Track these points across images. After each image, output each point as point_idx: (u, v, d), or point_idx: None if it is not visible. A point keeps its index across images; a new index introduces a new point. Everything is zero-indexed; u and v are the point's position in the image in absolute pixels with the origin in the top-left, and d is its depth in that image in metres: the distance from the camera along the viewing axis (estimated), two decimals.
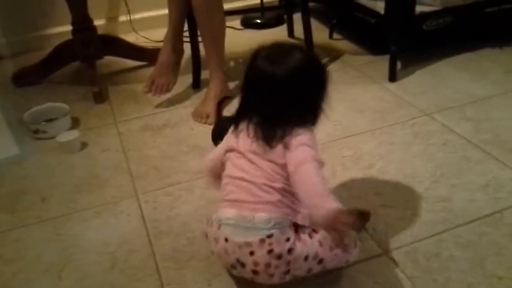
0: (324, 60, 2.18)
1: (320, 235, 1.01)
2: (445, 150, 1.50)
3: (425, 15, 1.94)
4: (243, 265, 1.00)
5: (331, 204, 0.93)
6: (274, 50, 1.03)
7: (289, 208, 1.00)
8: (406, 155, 1.50)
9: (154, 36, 2.37)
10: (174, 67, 1.88)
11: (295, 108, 1.00)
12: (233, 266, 1.02)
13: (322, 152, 1.53)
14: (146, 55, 2.20)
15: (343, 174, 1.44)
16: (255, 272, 0.99)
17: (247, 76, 1.05)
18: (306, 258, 0.99)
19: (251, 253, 0.98)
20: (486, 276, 1.07)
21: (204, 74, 1.98)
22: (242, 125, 1.05)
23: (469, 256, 1.12)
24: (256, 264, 0.98)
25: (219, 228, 1.02)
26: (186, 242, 1.24)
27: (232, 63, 2.25)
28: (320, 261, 1.01)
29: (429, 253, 1.14)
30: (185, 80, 2.03)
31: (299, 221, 1.01)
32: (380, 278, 1.09)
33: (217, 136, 1.52)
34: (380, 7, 2.00)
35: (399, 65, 2.01)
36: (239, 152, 1.04)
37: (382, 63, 2.01)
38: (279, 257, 0.97)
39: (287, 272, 1.00)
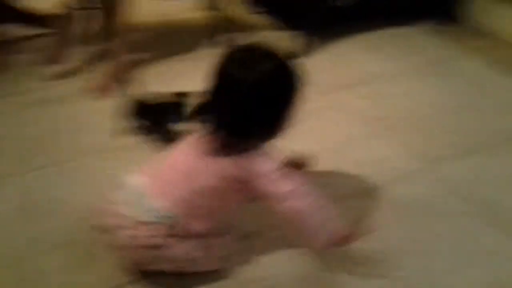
0: (241, 35, 2.14)
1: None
2: (334, 127, 1.53)
3: None
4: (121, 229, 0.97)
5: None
6: (247, 53, 0.95)
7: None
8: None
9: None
10: (67, 37, 1.79)
11: (262, 117, 0.93)
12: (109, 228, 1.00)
13: None
14: (39, 21, 1.98)
15: None
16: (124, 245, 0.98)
17: (216, 78, 0.95)
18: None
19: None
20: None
21: (107, 46, 1.88)
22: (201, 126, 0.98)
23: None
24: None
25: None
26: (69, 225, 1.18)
27: (137, 34, 2.16)
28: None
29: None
30: (88, 51, 1.92)
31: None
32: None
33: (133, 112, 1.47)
34: None
35: (311, 40, 2.01)
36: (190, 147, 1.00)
37: (297, 38, 1.99)
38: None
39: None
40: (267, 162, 0.96)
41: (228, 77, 0.93)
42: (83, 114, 1.61)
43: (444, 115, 1.58)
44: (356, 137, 1.48)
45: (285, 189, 0.96)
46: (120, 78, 1.74)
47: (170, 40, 2.13)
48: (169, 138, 1.41)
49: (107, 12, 1.72)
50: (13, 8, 2.07)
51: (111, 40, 1.75)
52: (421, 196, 1.25)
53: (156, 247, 0.97)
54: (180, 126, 1.41)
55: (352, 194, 1.26)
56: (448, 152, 1.41)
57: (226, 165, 0.95)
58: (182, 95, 1.46)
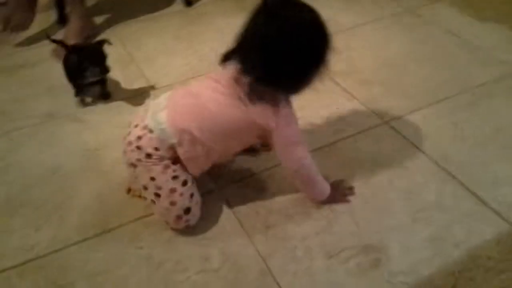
0: None
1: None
2: None
3: None
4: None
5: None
6: (283, 4, 0.93)
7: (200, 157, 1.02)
8: None
9: None
10: (31, 2, 1.75)
11: (292, 69, 0.93)
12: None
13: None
14: None
15: None
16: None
17: (250, 25, 0.94)
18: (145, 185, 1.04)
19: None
20: (306, 206, 1.11)
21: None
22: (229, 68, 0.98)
23: (295, 188, 1.16)
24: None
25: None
26: (21, 190, 1.21)
27: None
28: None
29: (258, 187, 1.17)
30: (50, 16, 1.90)
31: (190, 168, 1.03)
32: (208, 214, 1.10)
33: (73, 72, 1.44)
34: None
35: None
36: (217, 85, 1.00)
37: None
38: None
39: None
40: (292, 122, 1.00)
41: (261, 26, 0.92)
42: (51, 77, 1.60)
43: (407, 67, 1.54)
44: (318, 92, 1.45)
45: (299, 154, 1.02)
46: (82, 39, 1.72)
47: (132, 2, 2.09)
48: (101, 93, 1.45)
49: None
50: None
51: (71, 3, 1.73)
52: (372, 153, 1.24)
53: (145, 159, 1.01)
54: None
55: (315, 149, 1.25)
56: (408, 105, 1.38)
57: (254, 111, 0.96)
58: (100, 43, 1.41)
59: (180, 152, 1.01)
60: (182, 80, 1.54)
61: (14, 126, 1.40)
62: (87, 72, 1.39)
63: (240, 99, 0.97)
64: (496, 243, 1.00)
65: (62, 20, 1.90)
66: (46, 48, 1.75)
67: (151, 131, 1.01)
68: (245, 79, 0.95)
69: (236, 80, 0.97)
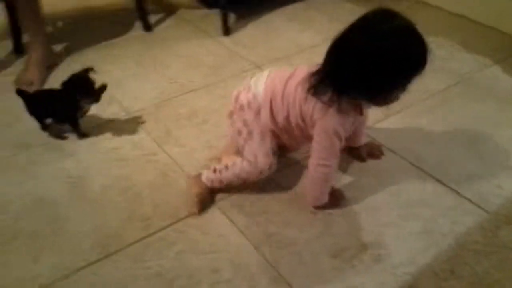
0: (159, 17, 2.13)
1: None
2: None
3: None
4: None
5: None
6: (381, 17, 0.97)
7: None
8: None
9: None
10: None
11: (370, 83, 0.97)
12: None
13: (158, 111, 1.53)
14: None
15: (178, 131, 1.44)
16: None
17: (344, 33, 1.01)
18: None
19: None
20: (302, 213, 1.17)
21: (27, 39, 1.81)
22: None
23: (288, 196, 1.21)
24: None
25: None
26: (8, 223, 1.17)
27: (60, 23, 2.10)
28: None
29: (253, 198, 1.21)
30: (5, 45, 1.85)
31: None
32: (209, 228, 1.13)
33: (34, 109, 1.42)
34: None
35: (232, 18, 2.05)
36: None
37: (216, 16, 2.00)
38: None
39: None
40: (339, 123, 1.05)
41: (354, 36, 0.98)
42: (16, 108, 1.54)
43: None
44: None
45: (327, 154, 1.09)
46: (44, 69, 1.69)
47: (93, 26, 2.08)
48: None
49: (21, 5, 1.65)
50: None
51: (30, 31, 1.69)
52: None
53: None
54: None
55: (294, 163, 1.31)
56: (374, 114, 1.49)
57: (316, 106, 1.05)
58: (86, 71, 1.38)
59: (262, 115, 1.13)
60: (156, 103, 1.56)
61: None
62: (81, 104, 1.38)
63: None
64: (479, 229, 1.11)
65: (19, 49, 1.85)
66: (5, 78, 1.70)
67: (250, 90, 1.15)
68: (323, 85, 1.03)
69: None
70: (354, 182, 1.25)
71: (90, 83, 1.35)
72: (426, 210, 1.16)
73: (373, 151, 1.33)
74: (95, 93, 1.36)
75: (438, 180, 1.24)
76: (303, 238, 1.10)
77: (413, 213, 1.16)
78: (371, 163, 1.31)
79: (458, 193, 1.20)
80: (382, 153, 1.33)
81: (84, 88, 1.34)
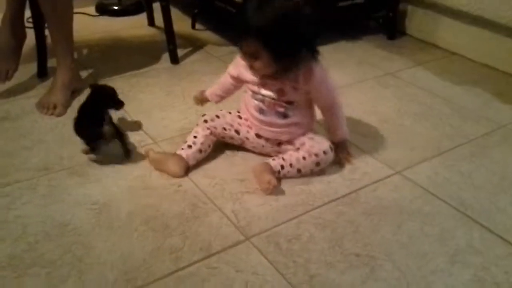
0: (186, 50, 2.12)
1: None
2: None
3: None
4: None
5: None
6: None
7: None
8: None
9: None
10: (14, 53, 1.67)
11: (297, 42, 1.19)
12: None
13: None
14: None
15: (207, 162, 1.38)
16: None
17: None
18: None
19: None
20: (344, 254, 1.09)
21: (52, 62, 1.79)
22: None
23: (328, 236, 1.13)
24: None
25: None
26: (27, 248, 1.09)
27: (85, 51, 2.08)
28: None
29: (290, 236, 1.13)
30: (29, 69, 1.82)
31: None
32: (242, 265, 1.05)
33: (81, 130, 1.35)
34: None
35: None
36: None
37: None
38: None
39: None
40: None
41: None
42: (38, 131, 1.50)
43: (404, 122, 1.62)
44: None
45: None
46: (69, 93, 1.65)
47: (121, 56, 2.07)
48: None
49: (53, 28, 1.63)
50: None
51: (59, 55, 1.66)
52: (395, 200, 1.26)
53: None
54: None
55: (326, 202, 1.25)
56: (415, 156, 1.44)
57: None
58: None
59: None
60: (183, 133, 1.50)
61: (8, 181, 1.28)
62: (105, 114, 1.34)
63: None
64: None
65: (42, 73, 1.82)
66: (28, 100, 1.66)
67: None
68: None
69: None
70: (397, 225, 1.17)
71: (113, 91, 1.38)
72: (476, 258, 1.08)
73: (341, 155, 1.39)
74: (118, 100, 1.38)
75: (485, 227, 1.17)
76: (348, 282, 1.02)
77: (462, 260, 1.08)
78: (414, 206, 1.24)
79: (508, 242, 1.13)
80: (348, 160, 1.39)
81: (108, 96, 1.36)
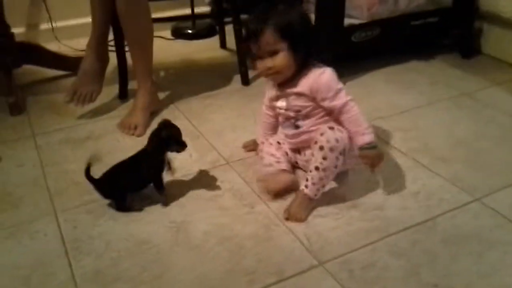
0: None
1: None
2: None
3: (354, 27, 1.98)
4: None
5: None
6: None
7: None
8: None
9: (78, 45, 2.24)
10: (98, 76, 1.77)
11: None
12: None
13: (257, 162, 1.50)
14: (69, 63, 2.07)
15: None
16: None
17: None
18: None
19: None
20: (421, 284, 1.06)
21: (132, 85, 1.88)
22: None
23: (404, 265, 1.11)
24: None
25: None
26: (110, 263, 1.15)
27: (162, 73, 2.18)
28: None
29: (364, 263, 1.12)
30: (111, 90, 1.93)
31: None
32: None
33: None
34: (311, 18, 2.00)
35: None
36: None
37: None
38: None
39: None
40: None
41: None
42: (118, 149, 1.58)
43: (482, 146, 1.56)
44: (401, 170, 1.45)
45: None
46: (148, 114, 1.73)
47: (195, 78, 2.14)
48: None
49: (134, 52, 1.72)
50: (43, 51, 2.11)
51: (139, 79, 1.75)
52: (475, 229, 1.21)
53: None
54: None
55: (402, 229, 1.22)
56: (495, 182, 1.38)
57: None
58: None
59: None
60: (254, 154, 1.53)
61: (92, 198, 1.35)
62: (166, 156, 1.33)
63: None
64: None
65: (123, 95, 1.92)
66: (110, 121, 1.76)
67: None
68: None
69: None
70: (478, 255, 1.13)
71: (178, 130, 1.31)
72: None
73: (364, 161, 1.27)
74: (182, 142, 1.31)
75: None
76: None
77: None
78: (495, 235, 1.19)
79: None
80: (372, 165, 1.27)
81: (173, 137, 1.29)
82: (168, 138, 1.29)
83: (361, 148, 1.24)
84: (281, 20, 1.22)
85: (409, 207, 1.29)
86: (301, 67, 1.27)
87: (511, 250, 1.14)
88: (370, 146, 1.23)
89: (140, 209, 1.32)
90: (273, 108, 1.39)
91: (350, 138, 1.25)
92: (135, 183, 1.33)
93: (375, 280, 1.07)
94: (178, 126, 1.33)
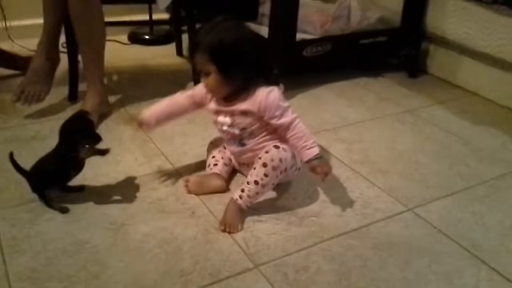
0: None
1: None
2: None
3: (306, 42, 2.04)
4: None
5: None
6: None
7: None
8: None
9: (32, 45, 2.20)
10: (47, 76, 1.76)
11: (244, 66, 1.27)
12: None
13: (204, 167, 1.52)
14: (19, 63, 2.04)
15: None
16: None
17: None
18: None
19: None
20: None
21: (82, 87, 1.87)
22: None
23: (336, 269, 1.15)
24: None
25: None
26: (46, 262, 1.14)
27: (115, 77, 2.18)
28: None
29: (298, 266, 1.15)
30: (60, 92, 1.91)
31: None
32: None
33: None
34: (264, 32, 2.05)
35: (282, 88, 2.08)
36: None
37: None
38: None
39: None
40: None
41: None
42: None
43: (420, 160, 1.63)
44: (340, 179, 1.50)
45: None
46: (97, 116, 1.73)
47: (148, 83, 2.15)
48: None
49: (86, 54, 1.73)
50: None
51: (89, 81, 1.75)
52: (405, 237, 1.27)
53: None
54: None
55: (336, 234, 1.27)
56: (429, 194, 1.45)
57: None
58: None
59: None
60: (202, 159, 1.55)
61: (33, 197, 1.34)
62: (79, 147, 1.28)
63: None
64: None
65: (73, 97, 1.91)
66: (57, 122, 1.72)
67: None
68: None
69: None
70: (405, 261, 1.19)
71: (90, 122, 1.29)
72: None
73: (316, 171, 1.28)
74: (95, 135, 1.27)
75: (494, 269, 1.17)
76: None
77: None
78: (424, 244, 1.25)
79: None
80: (325, 174, 1.27)
81: (83, 130, 1.26)
82: (77, 131, 1.26)
83: (309, 160, 1.28)
84: (213, 42, 1.21)
85: (345, 214, 1.35)
86: (244, 87, 1.28)
87: (437, 260, 1.20)
88: (316, 157, 1.28)
89: (66, 209, 1.30)
90: (214, 123, 1.39)
91: (295, 154, 1.31)
92: (54, 177, 1.31)
93: (306, 283, 1.11)
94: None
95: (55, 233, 1.23)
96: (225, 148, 1.47)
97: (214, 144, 1.50)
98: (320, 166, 1.27)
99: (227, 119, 1.34)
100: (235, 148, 1.39)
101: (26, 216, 1.29)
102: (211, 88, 1.29)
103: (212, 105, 1.37)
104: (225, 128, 1.35)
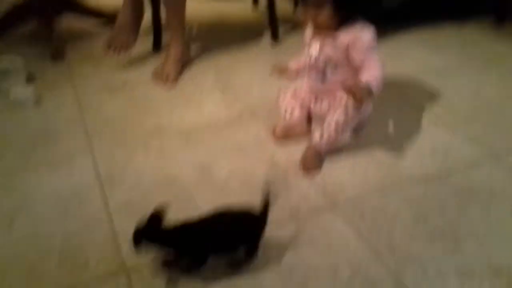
0: (286, 27, 2.20)
1: None
2: (400, 118, 1.54)
3: None
4: None
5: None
6: None
7: None
8: None
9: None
10: (134, 28, 1.85)
11: None
12: None
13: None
14: (105, 17, 2.16)
15: None
16: None
17: None
18: None
19: None
20: (428, 230, 1.12)
21: (165, 38, 1.96)
22: None
23: (414, 211, 1.16)
24: None
25: None
26: (139, 195, 1.24)
27: (194, 30, 2.25)
28: None
29: (375, 208, 1.18)
30: (145, 43, 2.01)
31: None
32: (328, 229, 1.12)
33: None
34: None
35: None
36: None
37: None
38: None
39: None
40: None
41: None
42: (153, 98, 1.69)
43: (506, 108, 1.57)
44: (422, 126, 1.49)
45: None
46: (180, 65, 1.81)
47: (226, 34, 2.20)
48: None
49: (169, 7, 1.79)
50: (79, 5, 2.21)
51: (172, 30, 1.83)
52: (487, 185, 1.25)
53: None
54: None
55: (418, 180, 1.27)
56: None
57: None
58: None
59: None
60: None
61: (125, 138, 1.45)
62: None
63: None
64: None
65: (157, 47, 2.00)
66: (144, 71, 1.85)
67: None
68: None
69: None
70: (486, 208, 1.18)
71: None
72: None
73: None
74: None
75: None
76: (429, 254, 1.05)
77: None
78: (508, 192, 1.22)
79: None
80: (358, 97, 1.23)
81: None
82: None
83: (358, 83, 1.25)
84: None
85: (425, 160, 1.34)
86: (344, 22, 1.29)
87: None
88: (367, 87, 1.24)
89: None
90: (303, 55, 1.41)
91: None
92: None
93: (383, 224, 1.13)
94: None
95: (147, 171, 1.33)
96: (298, 96, 1.46)
97: (288, 93, 1.49)
98: (359, 92, 1.23)
99: (316, 49, 1.34)
100: (317, 82, 1.39)
101: (121, 154, 1.40)
102: (321, 23, 1.30)
103: (309, 35, 1.38)
104: (312, 58, 1.36)
